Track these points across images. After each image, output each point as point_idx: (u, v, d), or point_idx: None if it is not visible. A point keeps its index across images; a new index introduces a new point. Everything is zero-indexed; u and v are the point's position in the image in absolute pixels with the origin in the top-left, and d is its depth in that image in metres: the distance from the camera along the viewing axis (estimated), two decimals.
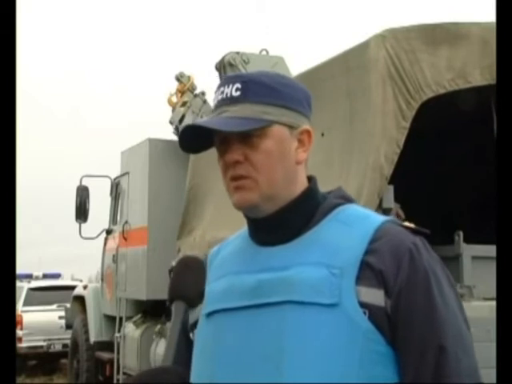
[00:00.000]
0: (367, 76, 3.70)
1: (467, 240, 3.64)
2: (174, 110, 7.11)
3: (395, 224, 1.20)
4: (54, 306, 11.81)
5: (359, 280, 1.11)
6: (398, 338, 1.10)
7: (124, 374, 7.33)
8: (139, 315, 7.33)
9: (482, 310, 3.23)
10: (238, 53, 6.15)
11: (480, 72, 3.80)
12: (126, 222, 7.29)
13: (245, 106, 1.19)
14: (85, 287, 9.07)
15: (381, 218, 1.21)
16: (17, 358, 9.55)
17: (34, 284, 13.06)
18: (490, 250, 3.31)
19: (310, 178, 1.27)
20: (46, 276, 14.66)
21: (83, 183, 7.84)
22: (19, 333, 11.38)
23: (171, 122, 7.16)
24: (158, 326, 6.70)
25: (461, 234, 3.64)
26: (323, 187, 1.29)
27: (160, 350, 6.41)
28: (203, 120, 1.26)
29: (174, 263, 5.62)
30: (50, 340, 11.76)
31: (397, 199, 3.63)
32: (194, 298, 1.25)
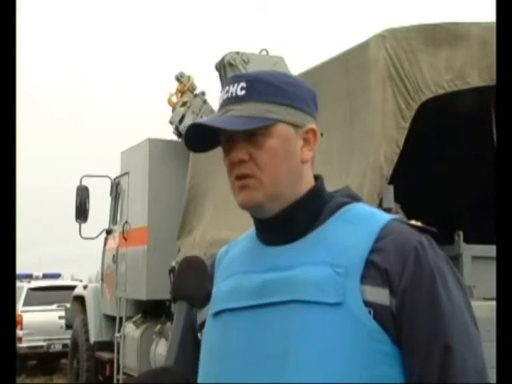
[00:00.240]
0: (367, 76, 3.70)
1: (467, 240, 3.63)
2: (173, 110, 7.10)
3: (401, 222, 1.19)
4: (54, 306, 11.81)
5: (364, 279, 1.10)
6: (403, 338, 1.09)
7: (124, 374, 7.33)
8: (139, 315, 7.33)
9: (482, 310, 3.22)
10: (238, 53, 6.16)
11: (478, 73, 3.81)
12: (126, 222, 7.29)
13: (250, 104, 1.19)
14: (85, 287, 9.07)
15: (387, 217, 1.20)
16: (17, 358, 9.55)
17: (34, 284, 13.06)
18: (490, 249, 3.30)
19: (317, 177, 1.27)
20: (45, 276, 14.67)
21: (83, 183, 7.84)
22: (19, 333, 11.38)
23: (171, 122, 7.16)
24: (158, 326, 6.70)
25: (461, 233, 3.63)
26: None
27: (160, 350, 6.42)
28: (208, 119, 1.25)
29: (173, 263, 5.63)
30: (49, 340, 11.75)
31: (397, 199, 3.63)
32: (197, 298, 1.24)
